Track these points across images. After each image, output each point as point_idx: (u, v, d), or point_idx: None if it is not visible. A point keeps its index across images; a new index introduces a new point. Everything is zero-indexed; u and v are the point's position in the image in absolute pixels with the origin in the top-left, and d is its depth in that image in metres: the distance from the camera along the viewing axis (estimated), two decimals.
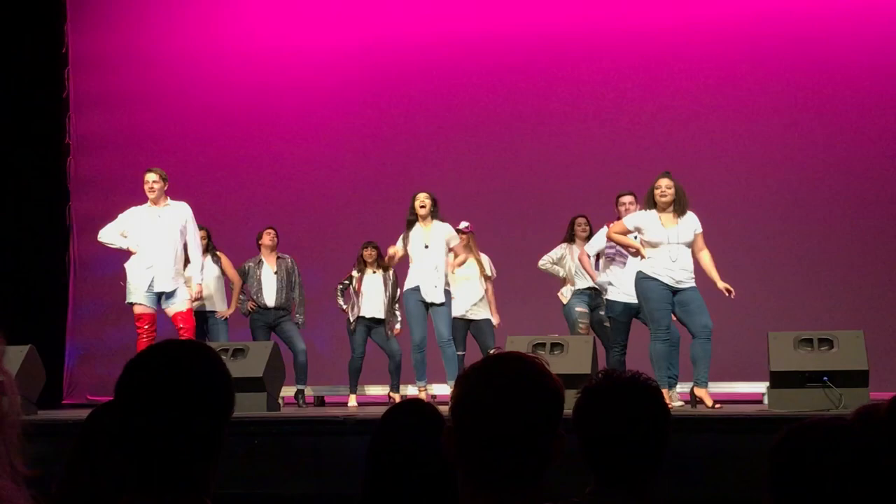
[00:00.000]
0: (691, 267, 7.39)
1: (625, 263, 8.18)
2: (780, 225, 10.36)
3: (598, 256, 8.60)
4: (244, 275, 9.53)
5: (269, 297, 9.44)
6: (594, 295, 8.84)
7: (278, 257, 9.58)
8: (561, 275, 9.17)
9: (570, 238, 9.17)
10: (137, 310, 8.14)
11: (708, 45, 10.70)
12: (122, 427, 1.71)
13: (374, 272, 9.46)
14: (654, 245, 7.35)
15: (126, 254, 8.25)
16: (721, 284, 7.43)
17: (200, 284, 8.46)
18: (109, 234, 8.28)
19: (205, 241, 9.26)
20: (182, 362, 1.74)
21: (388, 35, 11.30)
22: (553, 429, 1.73)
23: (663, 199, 7.35)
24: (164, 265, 8.10)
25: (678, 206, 7.36)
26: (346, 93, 11.32)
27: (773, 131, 10.51)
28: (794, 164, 10.43)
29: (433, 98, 11.20)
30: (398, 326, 9.52)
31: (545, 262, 9.21)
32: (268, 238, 9.56)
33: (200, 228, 9.27)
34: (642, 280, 7.40)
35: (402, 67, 11.24)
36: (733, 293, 7.44)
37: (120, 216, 8.33)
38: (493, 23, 11.11)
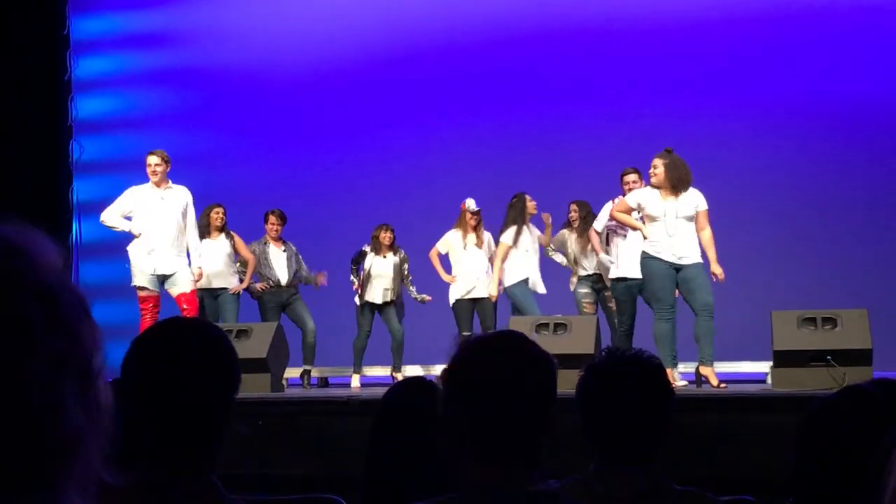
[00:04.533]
0: (694, 243, 7.35)
1: (626, 236, 8.20)
2: (783, 202, 10.35)
3: (606, 232, 8.62)
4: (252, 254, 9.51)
5: (281, 274, 9.43)
6: (597, 278, 8.84)
7: (282, 242, 9.58)
8: (564, 263, 9.18)
9: (568, 223, 9.17)
10: (142, 292, 8.16)
11: (716, 28, 10.67)
12: (127, 405, 1.71)
13: (385, 256, 9.43)
14: (653, 219, 7.34)
15: (128, 236, 8.24)
16: (714, 268, 7.39)
17: (200, 268, 8.45)
18: (112, 218, 8.26)
19: (223, 220, 9.24)
20: (188, 340, 1.74)
21: (391, 18, 11.27)
22: (546, 402, 1.73)
23: (654, 179, 7.38)
24: (166, 247, 8.11)
25: (676, 183, 7.33)
26: (350, 75, 11.30)
27: (777, 110, 10.49)
28: (800, 141, 10.41)
29: (437, 81, 11.18)
30: (426, 296, 9.52)
31: (547, 249, 9.25)
32: (270, 227, 9.53)
33: (218, 206, 9.27)
34: (645, 260, 7.41)
35: (406, 50, 11.21)
36: (721, 278, 7.41)
37: (121, 196, 8.30)
38: (496, 4, 11.07)
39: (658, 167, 7.35)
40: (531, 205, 8.86)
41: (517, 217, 8.81)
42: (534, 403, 1.72)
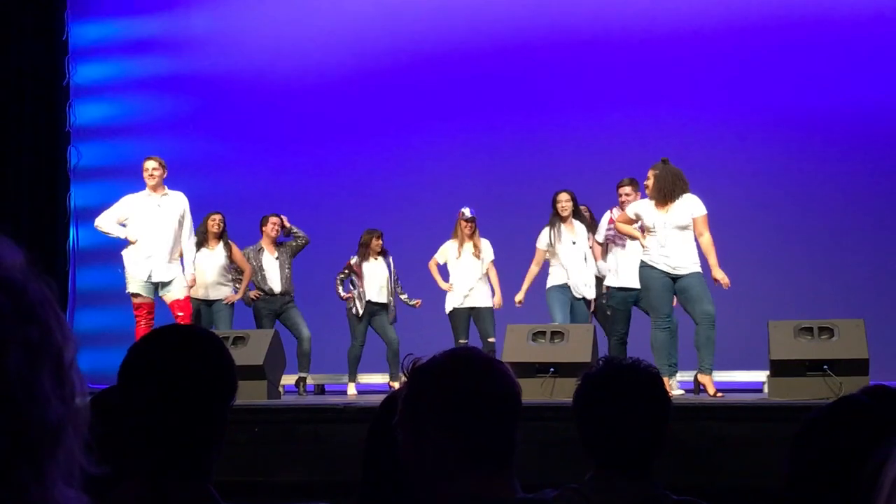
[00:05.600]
0: (692, 252, 7.35)
1: (624, 246, 8.23)
2: (780, 212, 10.35)
3: (606, 242, 8.62)
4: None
5: (275, 283, 9.42)
6: (597, 281, 8.84)
7: (277, 245, 9.57)
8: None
9: None
10: (136, 299, 8.15)
11: (716, 37, 10.69)
12: (125, 411, 1.71)
13: (375, 259, 9.49)
14: (648, 230, 7.39)
15: (125, 242, 8.24)
16: (715, 273, 7.38)
17: (193, 274, 8.45)
18: (107, 223, 8.26)
19: (220, 227, 9.24)
20: (185, 347, 1.74)
21: (390, 25, 11.28)
22: (513, 414, 1.74)
23: (647, 190, 7.46)
24: (161, 254, 8.10)
25: (660, 194, 7.35)
26: (349, 82, 11.31)
27: (775, 119, 10.50)
28: (798, 150, 10.42)
29: (435, 85, 11.19)
30: (416, 300, 9.51)
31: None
32: (271, 226, 9.53)
33: (216, 213, 9.27)
34: (642, 269, 7.44)
35: (405, 56, 11.22)
36: (725, 284, 7.39)
37: (117, 203, 8.31)
38: (494, 8, 11.09)
39: (650, 178, 7.40)
40: (559, 206, 8.61)
41: (552, 218, 8.65)
42: (504, 411, 1.74)
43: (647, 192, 7.49)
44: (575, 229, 8.65)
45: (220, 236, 9.27)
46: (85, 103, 11.68)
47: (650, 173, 7.43)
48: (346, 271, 9.57)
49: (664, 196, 7.33)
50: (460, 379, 1.74)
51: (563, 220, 8.60)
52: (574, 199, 8.65)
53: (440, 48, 11.18)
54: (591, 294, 8.64)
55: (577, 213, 8.69)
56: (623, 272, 8.21)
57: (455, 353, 1.82)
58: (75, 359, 0.90)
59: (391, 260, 9.58)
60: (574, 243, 8.59)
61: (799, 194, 10.37)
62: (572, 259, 8.56)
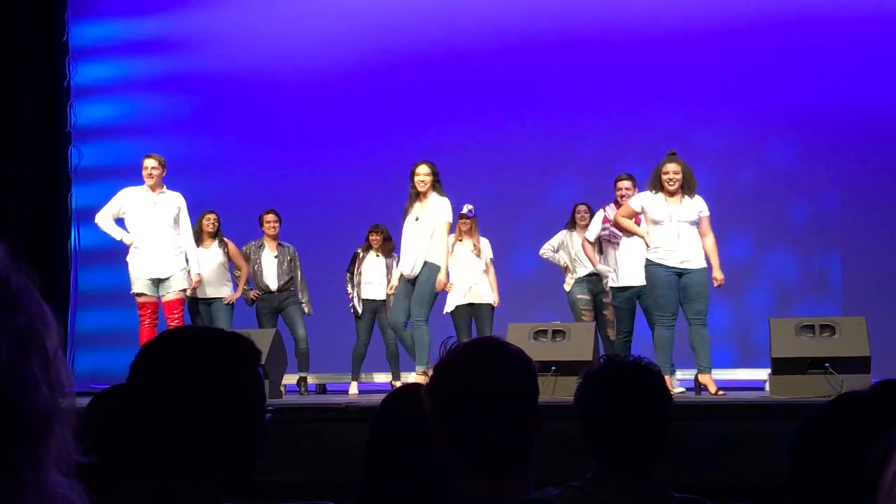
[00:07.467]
0: (698, 247, 7.34)
1: (618, 245, 8.15)
2: (782, 209, 10.36)
3: (599, 241, 8.58)
4: (246, 258, 9.51)
5: (271, 280, 9.43)
6: (595, 281, 8.82)
7: (279, 244, 9.58)
8: (562, 263, 9.14)
9: (571, 225, 9.14)
10: (140, 299, 8.17)
11: (711, 36, 10.68)
12: (129, 410, 1.70)
13: (378, 256, 9.48)
14: (658, 223, 7.31)
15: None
16: (717, 273, 7.37)
17: (199, 274, 8.46)
18: (106, 221, 8.27)
19: (216, 226, 9.26)
20: (198, 345, 1.73)
21: (390, 23, 11.28)
22: (530, 404, 1.74)
23: (671, 187, 7.31)
24: (159, 251, 8.12)
25: (686, 189, 7.34)
26: (349, 80, 11.31)
27: (775, 117, 10.50)
28: (797, 148, 10.42)
29: (437, 83, 11.18)
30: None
31: (545, 250, 9.19)
32: (268, 225, 9.54)
33: (210, 212, 9.28)
34: (649, 267, 7.38)
35: (405, 54, 11.22)
36: (720, 283, 7.39)
37: (114, 197, 8.33)
38: (496, 7, 11.09)
39: (678, 174, 7.30)
40: (416, 179, 7.73)
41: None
42: (517, 409, 1.73)
43: (674, 186, 7.29)
44: (427, 205, 7.76)
45: (215, 235, 9.28)
46: (86, 103, 11.68)
47: (668, 168, 7.34)
48: (351, 266, 9.58)
49: (690, 191, 7.32)
50: (471, 373, 1.72)
51: (419, 195, 7.78)
52: (434, 172, 7.74)
53: (441, 47, 11.18)
54: (412, 271, 7.75)
55: (436, 188, 7.75)
56: (623, 271, 8.17)
57: (471, 347, 1.81)
58: (59, 348, 0.91)
59: (397, 261, 9.54)
60: (417, 219, 7.76)
61: (800, 191, 10.37)
62: (409, 237, 7.76)
